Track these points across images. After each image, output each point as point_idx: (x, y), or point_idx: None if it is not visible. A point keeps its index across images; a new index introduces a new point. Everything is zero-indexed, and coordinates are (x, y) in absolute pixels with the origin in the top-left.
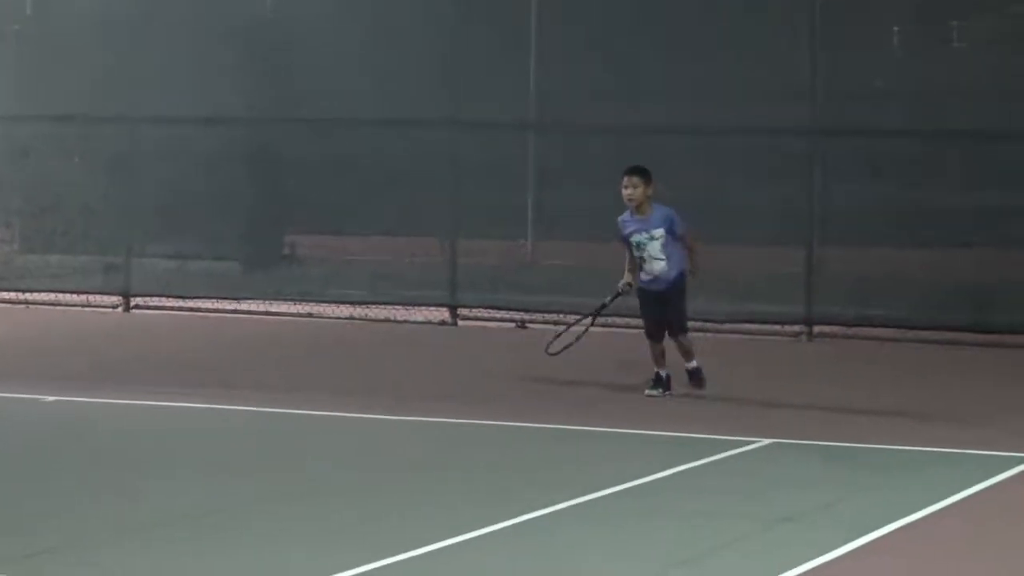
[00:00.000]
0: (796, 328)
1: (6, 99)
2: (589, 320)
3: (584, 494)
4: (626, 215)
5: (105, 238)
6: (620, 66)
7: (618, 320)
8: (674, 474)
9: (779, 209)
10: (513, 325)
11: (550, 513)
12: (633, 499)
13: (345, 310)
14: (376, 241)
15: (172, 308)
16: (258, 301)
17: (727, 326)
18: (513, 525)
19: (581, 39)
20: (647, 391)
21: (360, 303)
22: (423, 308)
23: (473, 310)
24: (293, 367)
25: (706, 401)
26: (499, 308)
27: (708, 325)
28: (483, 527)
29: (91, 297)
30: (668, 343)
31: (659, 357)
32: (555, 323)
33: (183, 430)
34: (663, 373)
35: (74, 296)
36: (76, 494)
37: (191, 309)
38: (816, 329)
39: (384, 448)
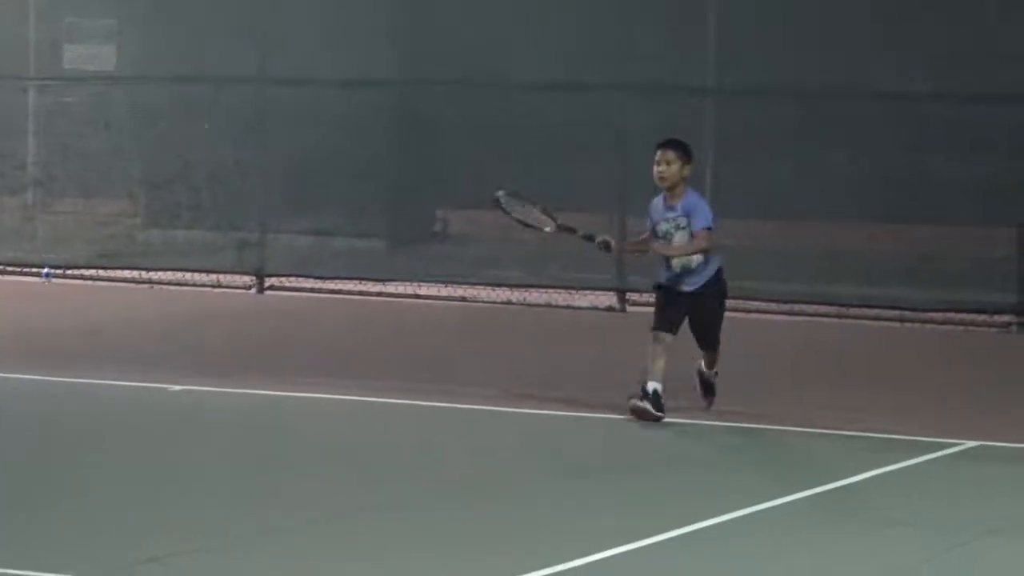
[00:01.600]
0: (1006, 318)
1: (129, 59)
2: (552, 224)
3: (770, 499)
4: (658, 200)
5: (237, 212)
6: (809, 24)
7: (807, 308)
8: (869, 478)
9: (987, 185)
10: None
11: (733, 519)
12: (824, 505)
13: (502, 293)
14: None
15: (310, 289)
16: (405, 283)
17: (928, 315)
18: (692, 531)
19: None
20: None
21: (518, 286)
22: (588, 292)
23: (644, 295)
24: (444, 356)
25: (904, 398)
26: None
27: (906, 314)
28: (659, 533)
29: (221, 277)
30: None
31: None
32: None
33: (322, 423)
34: (654, 387)
35: (203, 275)
36: (204, 494)
37: (331, 291)
38: None
39: (547, 446)
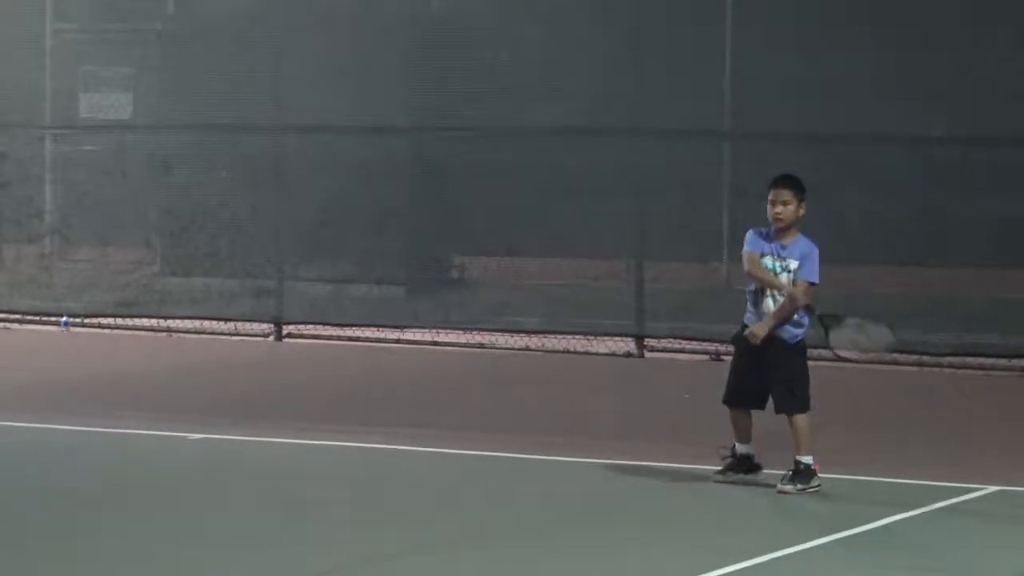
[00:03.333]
0: None
1: (146, 107)
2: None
3: (788, 546)
4: (763, 230)
5: (254, 259)
6: (826, 67)
7: (824, 352)
8: (890, 524)
9: (1002, 226)
10: (707, 358)
11: (755, 565)
12: (845, 552)
13: (520, 340)
14: (554, 263)
15: (328, 337)
16: (423, 330)
17: (946, 359)
18: None
19: (782, 36)
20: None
21: (536, 332)
22: (606, 338)
23: (662, 341)
24: (463, 403)
25: (925, 443)
26: (691, 339)
27: (924, 359)
28: None
29: (239, 324)
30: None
31: (741, 430)
32: None
33: (342, 471)
34: (742, 449)
35: (220, 323)
36: (225, 542)
37: (349, 338)
38: None
39: (562, 492)
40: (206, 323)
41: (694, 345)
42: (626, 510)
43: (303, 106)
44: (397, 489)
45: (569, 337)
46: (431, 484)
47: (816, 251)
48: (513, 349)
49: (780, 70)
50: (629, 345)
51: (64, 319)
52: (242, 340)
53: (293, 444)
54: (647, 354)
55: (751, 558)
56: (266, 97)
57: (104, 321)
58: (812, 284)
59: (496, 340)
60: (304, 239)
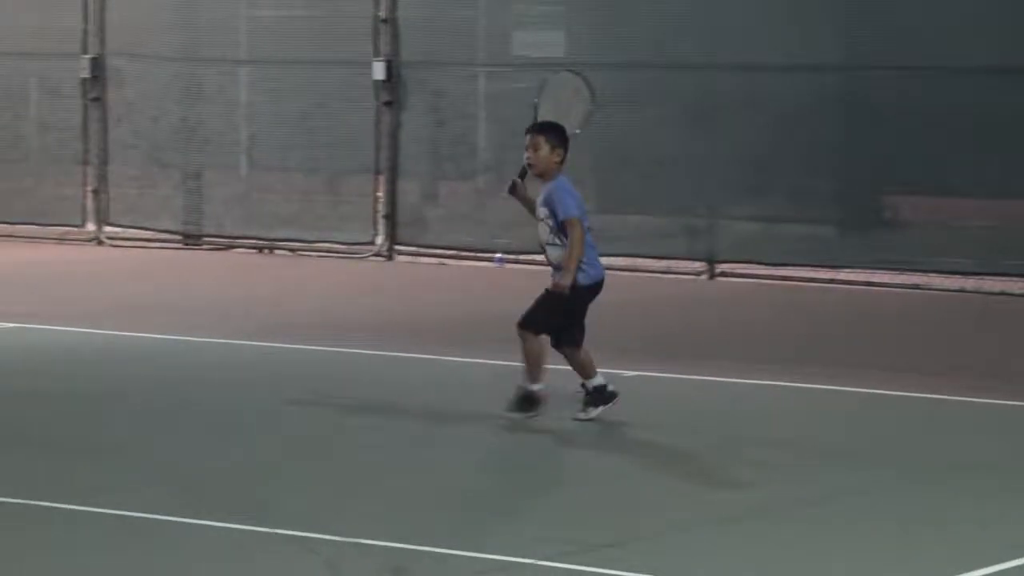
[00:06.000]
0: None
1: (578, 45)
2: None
3: None
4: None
5: (685, 198)
6: None
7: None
8: None
9: None
10: None
11: None
12: None
13: (955, 281)
14: (988, 204)
15: (760, 276)
16: (856, 270)
17: None
18: None
19: None
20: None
21: (971, 274)
22: None
23: None
24: (898, 344)
25: None
26: None
27: None
28: None
29: (671, 263)
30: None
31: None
32: None
33: (775, 411)
34: (528, 388)
35: (652, 261)
36: (667, 476)
37: (782, 278)
38: None
39: (993, 437)
40: (639, 261)
41: None
42: None
43: (735, 44)
44: (833, 430)
45: (1006, 279)
46: (867, 426)
47: (565, 189)
48: (948, 291)
49: None
50: None
51: (498, 256)
52: (674, 278)
53: (724, 383)
54: None
55: None
56: (698, 35)
57: (538, 258)
58: (572, 220)
59: (931, 281)
60: (735, 177)
